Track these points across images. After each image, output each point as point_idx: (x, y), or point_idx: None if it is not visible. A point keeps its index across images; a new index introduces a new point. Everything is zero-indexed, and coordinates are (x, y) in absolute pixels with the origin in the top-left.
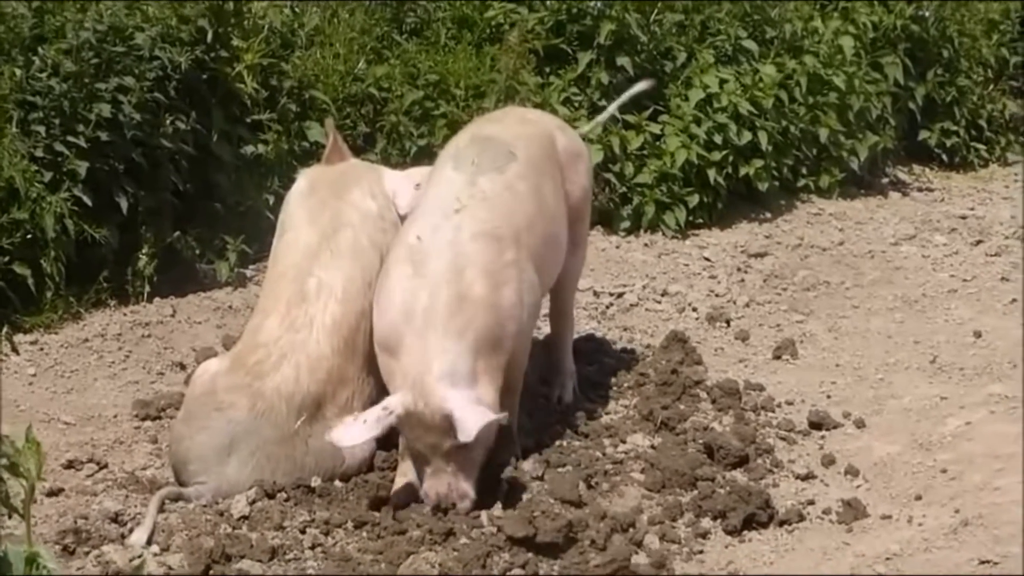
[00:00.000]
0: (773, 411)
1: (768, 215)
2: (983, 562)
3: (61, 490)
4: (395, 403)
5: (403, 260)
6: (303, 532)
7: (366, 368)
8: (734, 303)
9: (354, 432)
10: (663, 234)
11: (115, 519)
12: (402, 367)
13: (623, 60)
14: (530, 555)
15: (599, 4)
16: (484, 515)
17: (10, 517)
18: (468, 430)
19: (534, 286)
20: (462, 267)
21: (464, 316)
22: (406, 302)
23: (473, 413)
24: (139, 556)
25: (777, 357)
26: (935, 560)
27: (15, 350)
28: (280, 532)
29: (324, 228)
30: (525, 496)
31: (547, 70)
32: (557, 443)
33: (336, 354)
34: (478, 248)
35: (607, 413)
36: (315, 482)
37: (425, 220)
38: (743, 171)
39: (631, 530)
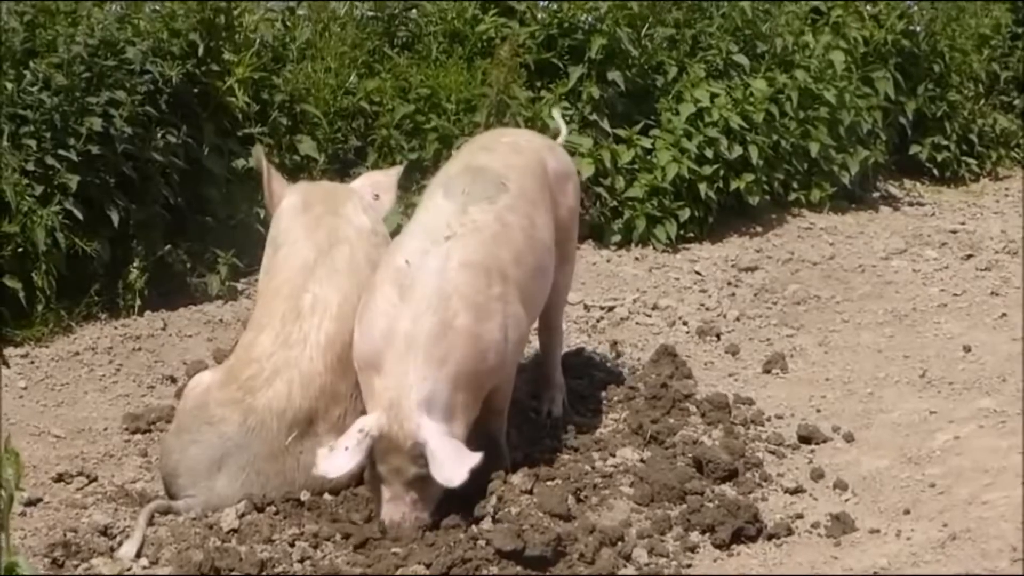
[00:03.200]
0: (762, 425)
1: (759, 229)
2: None
3: (40, 500)
4: (370, 424)
5: (389, 282)
6: (292, 545)
7: (359, 385)
8: (724, 317)
9: (339, 462)
10: (654, 248)
11: (104, 532)
12: (381, 387)
13: (614, 74)
14: (518, 568)
15: (590, 19)
16: (473, 528)
17: None
18: (450, 476)
19: (520, 321)
20: (448, 296)
21: (445, 345)
22: (389, 326)
23: (454, 454)
24: (128, 569)
25: (767, 371)
26: (923, 574)
27: (5, 363)
28: (269, 545)
29: (320, 243)
30: (514, 509)
31: (538, 84)
32: (546, 457)
33: (329, 371)
34: (465, 279)
35: (596, 427)
36: (304, 496)
37: (414, 244)
38: (734, 185)
39: (620, 544)
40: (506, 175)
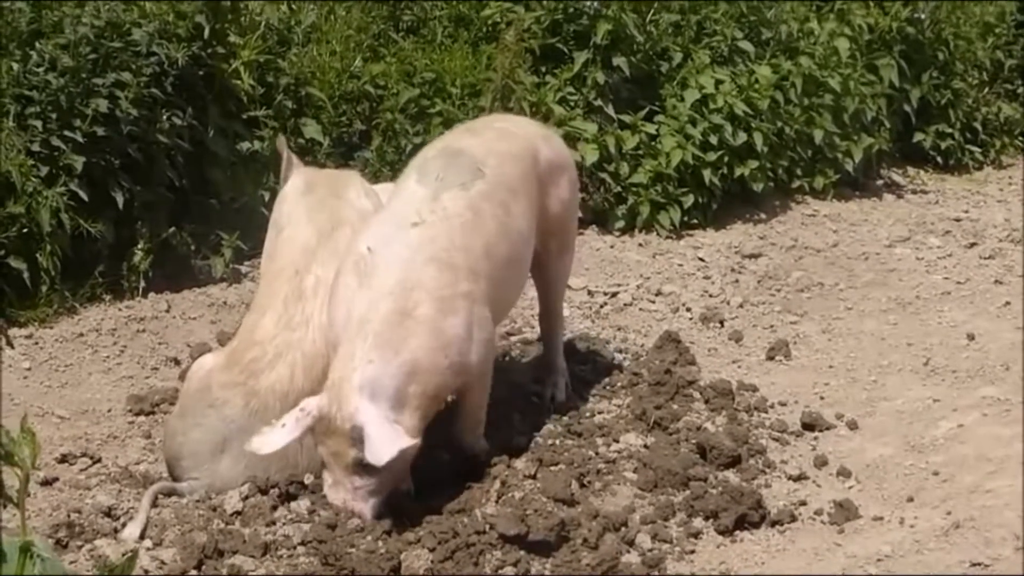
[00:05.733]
0: (766, 412)
1: (763, 216)
2: (974, 564)
3: (57, 478)
4: (312, 405)
5: (350, 271)
6: (296, 528)
7: None
8: (728, 304)
9: (273, 438)
10: (658, 234)
11: (108, 513)
12: (331, 370)
13: (619, 60)
14: (522, 553)
15: (595, 4)
16: (477, 513)
17: (4, 507)
18: (378, 454)
19: (486, 322)
20: (411, 287)
21: (402, 333)
22: (348, 312)
23: (387, 435)
24: (132, 551)
25: (770, 358)
26: (926, 562)
27: (10, 344)
28: (272, 527)
29: (322, 226)
30: (517, 494)
31: (543, 69)
32: (550, 442)
33: None
34: (432, 273)
35: (600, 412)
36: (308, 478)
37: (378, 230)
38: (738, 172)
39: (623, 529)
40: (484, 160)
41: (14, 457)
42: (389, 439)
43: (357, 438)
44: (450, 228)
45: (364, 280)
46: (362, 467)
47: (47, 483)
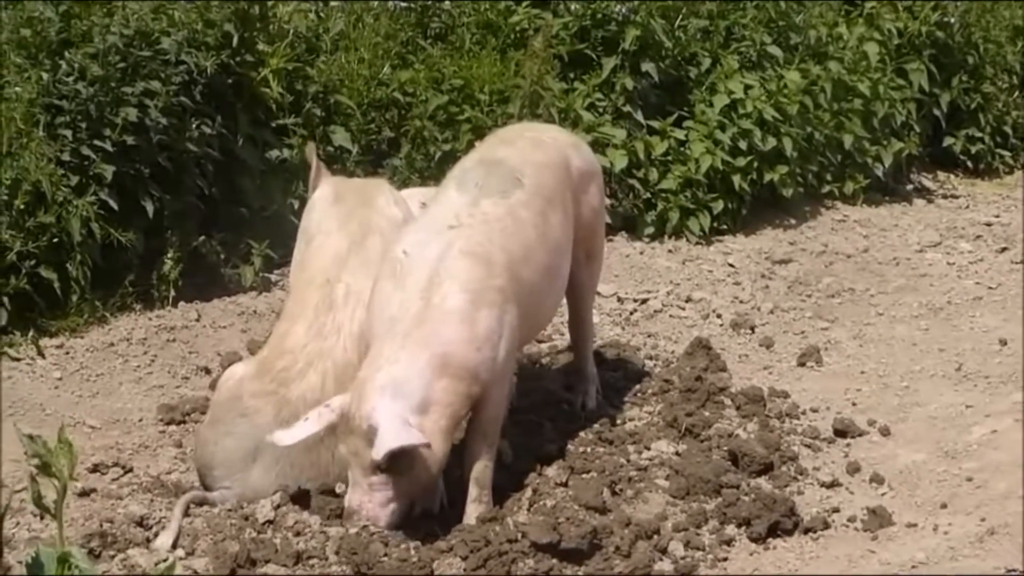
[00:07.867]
0: (798, 418)
1: (792, 221)
2: (1010, 571)
3: (94, 489)
4: (337, 402)
5: (387, 276)
6: (327, 536)
7: None
8: (758, 310)
9: (294, 431)
10: (687, 240)
11: (140, 523)
12: (359, 371)
13: (648, 66)
14: (554, 561)
15: (624, 10)
16: (509, 521)
17: (42, 518)
18: (380, 446)
19: (515, 327)
20: (441, 280)
21: (430, 327)
22: (380, 316)
23: (394, 429)
24: (165, 560)
25: (802, 364)
26: (961, 569)
27: (41, 354)
28: (305, 536)
29: (353, 234)
30: (549, 502)
31: (571, 75)
32: (581, 449)
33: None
34: (465, 265)
35: (631, 419)
36: (340, 487)
37: (415, 235)
38: (768, 177)
39: (655, 537)
40: (522, 170)
41: (51, 468)
42: (395, 433)
43: (373, 438)
44: (489, 229)
45: (399, 283)
46: (380, 470)
47: (81, 493)
